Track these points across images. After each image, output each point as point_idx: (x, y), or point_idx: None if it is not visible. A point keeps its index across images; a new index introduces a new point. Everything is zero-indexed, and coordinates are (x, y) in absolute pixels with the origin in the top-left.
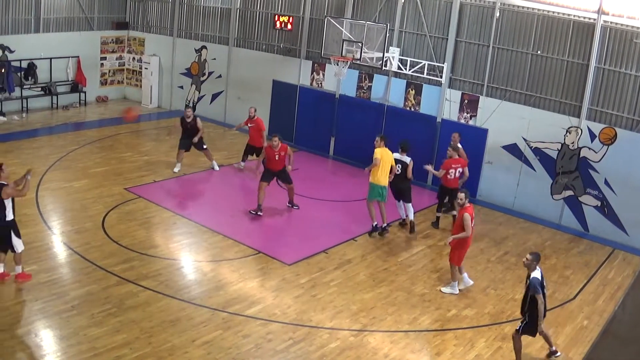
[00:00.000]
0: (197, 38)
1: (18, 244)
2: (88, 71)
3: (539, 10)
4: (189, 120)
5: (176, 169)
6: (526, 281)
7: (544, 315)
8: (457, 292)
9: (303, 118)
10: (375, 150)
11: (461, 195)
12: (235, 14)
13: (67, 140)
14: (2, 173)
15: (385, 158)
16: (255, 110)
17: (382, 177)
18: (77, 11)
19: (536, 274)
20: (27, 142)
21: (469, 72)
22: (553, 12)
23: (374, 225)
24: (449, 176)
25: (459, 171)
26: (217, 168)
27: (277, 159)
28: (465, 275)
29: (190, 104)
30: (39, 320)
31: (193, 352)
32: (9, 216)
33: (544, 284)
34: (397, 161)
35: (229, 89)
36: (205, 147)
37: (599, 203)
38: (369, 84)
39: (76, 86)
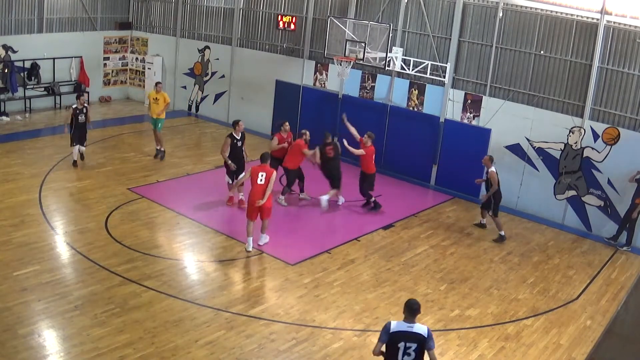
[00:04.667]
0: (200, 38)
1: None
2: (91, 71)
3: (542, 10)
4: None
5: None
6: None
7: None
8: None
9: (306, 118)
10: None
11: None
12: (238, 14)
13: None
14: (237, 127)
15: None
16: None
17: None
18: (80, 11)
19: None
20: (30, 142)
21: (472, 72)
22: (556, 12)
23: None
24: (372, 163)
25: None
26: None
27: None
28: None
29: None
30: (42, 320)
31: (196, 352)
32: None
33: None
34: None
35: (232, 89)
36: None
37: (602, 203)
38: (372, 84)
39: (79, 86)
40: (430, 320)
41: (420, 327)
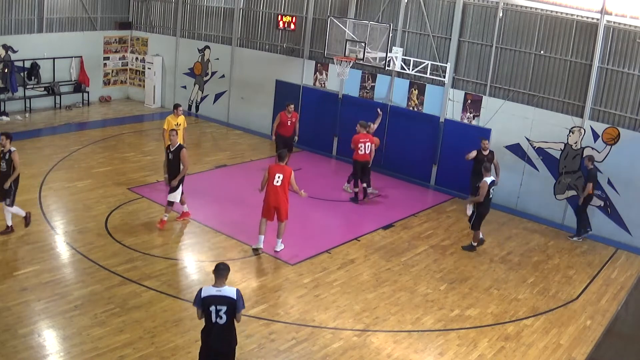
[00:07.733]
0: (200, 38)
1: (172, 196)
2: (91, 71)
3: (542, 10)
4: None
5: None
6: None
7: None
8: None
9: (306, 118)
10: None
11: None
12: (238, 14)
13: (70, 140)
14: (173, 137)
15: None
16: None
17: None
18: (80, 11)
19: None
20: (30, 142)
21: (472, 72)
22: (556, 12)
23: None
24: (359, 151)
25: (368, 146)
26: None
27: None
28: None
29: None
30: (42, 320)
31: (196, 352)
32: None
33: None
34: None
35: (232, 89)
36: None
37: (602, 203)
38: (372, 84)
39: (79, 86)
40: (430, 320)
41: (228, 290)
